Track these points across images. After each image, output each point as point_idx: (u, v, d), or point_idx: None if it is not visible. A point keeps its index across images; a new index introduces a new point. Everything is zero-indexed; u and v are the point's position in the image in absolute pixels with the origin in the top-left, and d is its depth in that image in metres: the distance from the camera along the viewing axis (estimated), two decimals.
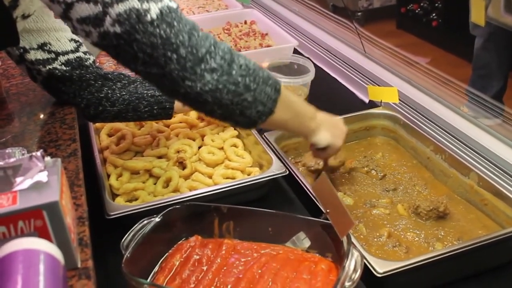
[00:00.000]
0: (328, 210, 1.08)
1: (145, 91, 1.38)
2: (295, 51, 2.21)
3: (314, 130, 1.20)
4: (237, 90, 0.99)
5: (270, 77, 1.06)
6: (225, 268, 1.07)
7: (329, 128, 1.24)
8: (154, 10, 0.90)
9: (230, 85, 0.98)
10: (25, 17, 1.20)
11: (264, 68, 1.06)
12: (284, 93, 1.08)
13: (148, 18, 0.90)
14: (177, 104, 1.42)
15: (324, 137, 1.23)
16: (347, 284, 0.94)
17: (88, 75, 1.32)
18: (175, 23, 0.92)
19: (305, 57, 1.98)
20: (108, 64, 2.27)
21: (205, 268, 1.07)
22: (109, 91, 1.34)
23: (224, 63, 0.97)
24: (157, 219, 1.11)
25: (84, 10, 0.90)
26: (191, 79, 0.95)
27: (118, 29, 0.90)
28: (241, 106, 1.01)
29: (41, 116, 1.32)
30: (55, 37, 1.28)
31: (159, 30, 0.91)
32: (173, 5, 0.94)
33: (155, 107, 1.39)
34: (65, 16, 0.94)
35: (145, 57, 0.93)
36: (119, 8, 0.89)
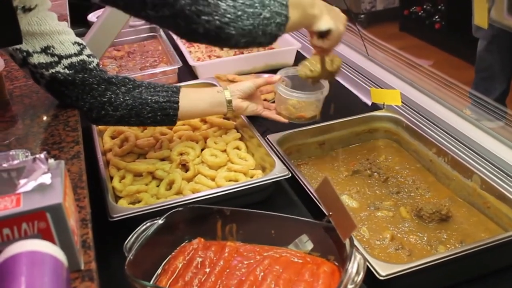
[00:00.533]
0: (330, 213, 1.08)
1: (149, 97, 1.37)
2: (298, 54, 2.22)
3: (316, 16, 1.20)
4: (255, 10, 0.97)
5: None
6: (228, 270, 1.07)
7: (329, 13, 1.24)
8: None
9: (248, 8, 0.96)
10: (25, 10, 1.18)
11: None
12: None
13: None
14: (181, 112, 1.42)
15: (326, 21, 1.23)
16: (349, 287, 0.93)
17: (91, 79, 1.32)
18: None
19: None
20: (111, 66, 2.28)
21: (208, 270, 1.07)
22: (112, 96, 1.34)
23: None
24: (160, 221, 1.11)
25: None
26: (207, 12, 0.92)
27: None
28: (262, 26, 1.00)
29: (45, 118, 1.32)
30: (59, 40, 1.28)
31: None
32: None
33: (159, 114, 1.39)
34: None
35: None
36: None
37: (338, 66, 1.49)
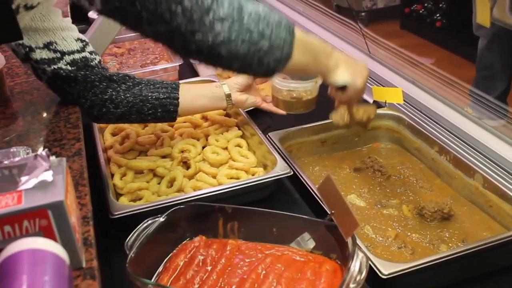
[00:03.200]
0: (333, 211, 1.07)
1: (150, 94, 1.37)
2: None
3: (332, 68, 1.16)
4: (252, 38, 0.95)
5: (282, 19, 1.01)
6: (229, 268, 1.07)
7: (347, 66, 1.19)
8: None
9: (244, 34, 0.94)
10: (28, 8, 1.17)
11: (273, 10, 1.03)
12: (299, 34, 1.03)
13: None
14: (181, 107, 1.42)
15: (342, 75, 1.18)
16: (352, 285, 0.93)
17: (93, 76, 1.32)
18: None
19: None
20: (112, 63, 2.27)
21: (209, 268, 1.07)
22: (114, 93, 1.34)
23: (233, 11, 0.93)
24: (162, 219, 1.11)
25: None
26: (201, 31, 0.91)
27: None
28: (258, 56, 0.98)
29: (46, 115, 1.32)
30: (61, 36, 1.28)
31: None
32: None
33: (159, 110, 1.39)
34: None
35: (149, 15, 0.90)
36: None
37: (369, 117, 1.48)
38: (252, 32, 0.95)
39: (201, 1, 0.91)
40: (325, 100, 1.53)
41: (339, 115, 1.46)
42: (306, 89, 1.54)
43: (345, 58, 1.20)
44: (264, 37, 0.97)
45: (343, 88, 1.24)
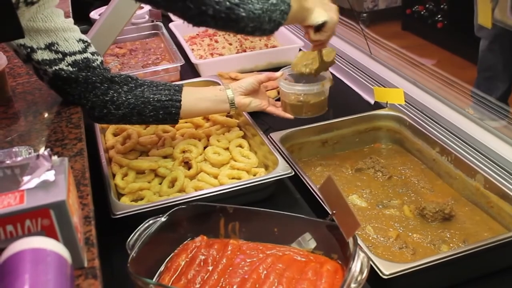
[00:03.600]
0: (334, 211, 1.07)
1: (152, 96, 1.37)
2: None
3: (310, 9, 1.22)
4: None
5: None
6: (230, 268, 1.07)
7: (321, 5, 1.26)
8: None
9: None
10: (28, 3, 1.17)
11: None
12: None
13: None
14: (184, 110, 1.42)
15: (320, 13, 1.25)
16: (353, 285, 0.93)
17: (94, 78, 1.32)
18: None
19: None
20: (113, 64, 2.27)
21: (210, 268, 1.07)
22: (115, 94, 1.34)
23: None
24: (163, 219, 1.11)
25: None
26: None
27: None
28: (269, 12, 1.02)
29: (47, 115, 1.32)
30: (63, 37, 1.28)
31: None
32: None
33: (161, 112, 1.39)
34: None
35: None
36: None
37: (334, 57, 1.53)
38: None
39: None
40: (327, 100, 1.54)
41: (302, 65, 1.50)
42: (313, 92, 1.53)
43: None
44: None
45: (321, 26, 1.30)
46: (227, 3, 0.94)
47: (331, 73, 1.59)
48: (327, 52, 1.51)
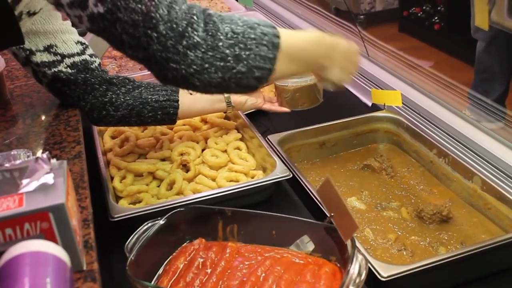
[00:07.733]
0: (332, 214, 1.07)
1: (150, 96, 1.38)
2: None
3: (324, 68, 1.11)
4: (227, 65, 0.91)
5: (265, 32, 0.96)
6: (229, 271, 1.07)
7: (339, 63, 1.13)
8: None
9: (218, 62, 0.90)
10: (30, 14, 1.18)
11: (256, 20, 0.98)
12: (285, 44, 0.98)
13: None
14: (181, 110, 1.42)
15: (334, 74, 1.13)
16: None
17: (93, 79, 1.32)
18: None
19: None
20: (111, 66, 2.27)
21: (209, 271, 1.07)
22: (113, 96, 1.34)
23: (207, 35, 0.90)
24: (161, 222, 1.11)
25: None
26: (175, 60, 0.89)
27: (101, 8, 0.87)
28: (235, 79, 0.94)
29: (45, 118, 1.32)
30: (62, 39, 1.28)
31: (140, 5, 0.86)
32: None
33: (159, 113, 1.39)
34: (57, 2, 0.91)
35: (129, 39, 0.89)
36: None
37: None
38: (226, 58, 0.92)
39: (176, 25, 0.88)
40: (324, 102, 1.54)
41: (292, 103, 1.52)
42: (307, 82, 1.51)
43: (342, 54, 1.13)
44: (241, 60, 0.93)
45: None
46: (183, 71, 0.87)
47: None
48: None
